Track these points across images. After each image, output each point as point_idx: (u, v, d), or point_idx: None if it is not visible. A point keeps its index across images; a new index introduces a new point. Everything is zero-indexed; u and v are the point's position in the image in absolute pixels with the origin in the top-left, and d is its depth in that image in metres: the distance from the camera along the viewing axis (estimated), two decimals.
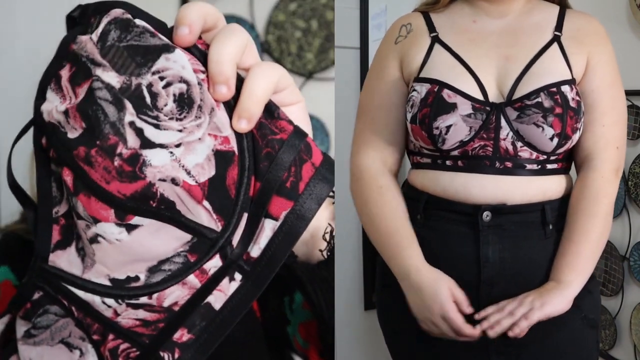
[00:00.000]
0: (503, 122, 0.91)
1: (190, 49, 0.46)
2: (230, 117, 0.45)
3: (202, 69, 0.45)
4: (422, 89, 0.94)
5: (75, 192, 0.45)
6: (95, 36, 0.44)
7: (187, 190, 0.44)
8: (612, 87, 0.97)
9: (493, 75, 0.94)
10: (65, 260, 0.47)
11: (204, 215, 0.45)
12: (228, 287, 0.47)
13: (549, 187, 0.94)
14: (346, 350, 1.70)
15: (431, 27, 1.01)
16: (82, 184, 0.44)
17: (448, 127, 0.91)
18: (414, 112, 0.95)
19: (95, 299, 0.46)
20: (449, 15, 1.02)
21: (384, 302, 1.09)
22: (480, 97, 0.92)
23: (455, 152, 0.93)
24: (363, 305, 1.76)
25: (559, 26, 0.98)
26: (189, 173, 0.44)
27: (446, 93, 0.92)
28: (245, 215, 0.46)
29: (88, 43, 0.44)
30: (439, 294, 0.89)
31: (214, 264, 0.46)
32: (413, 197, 1.00)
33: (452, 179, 0.94)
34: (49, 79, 0.46)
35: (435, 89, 0.93)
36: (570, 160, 0.99)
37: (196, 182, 0.44)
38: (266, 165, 0.46)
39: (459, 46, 0.97)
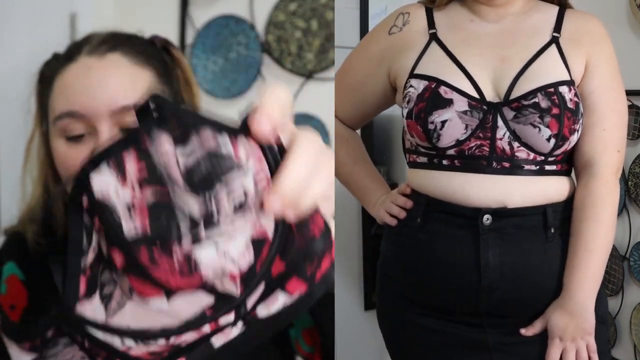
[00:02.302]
0: (500, 122, 0.91)
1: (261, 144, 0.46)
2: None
3: (266, 169, 0.46)
4: (420, 85, 0.94)
5: (123, 271, 0.47)
6: (180, 149, 0.45)
7: (231, 276, 0.47)
8: (612, 89, 0.95)
9: (488, 76, 0.93)
10: (90, 308, 0.49)
11: (233, 287, 0.48)
12: (230, 332, 0.51)
13: (550, 188, 0.93)
14: (346, 350, 1.70)
15: (431, 24, 1.01)
16: (136, 271, 0.46)
17: (443, 123, 0.91)
18: (410, 107, 0.95)
19: (115, 340, 0.48)
20: (448, 13, 1.02)
21: (383, 304, 1.09)
22: (476, 96, 0.92)
23: (452, 151, 0.93)
24: (363, 305, 1.76)
25: (557, 27, 0.96)
26: (233, 262, 0.46)
27: (443, 89, 0.92)
28: (263, 283, 0.50)
29: (169, 152, 0.44)
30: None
31: (227, 318, 0.50)
32: (414, 199, 1.00)
33: (449, 180, 0.93)
34: (109, 155, 0.46)
35: (433, 86, 0.93)
36: (570, 162, 0.98)
37: (239, 269, 0.47)
38: (294, 251, 0.49)
39: (454, 45, 0.97)
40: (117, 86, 0.80)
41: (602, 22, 1.00)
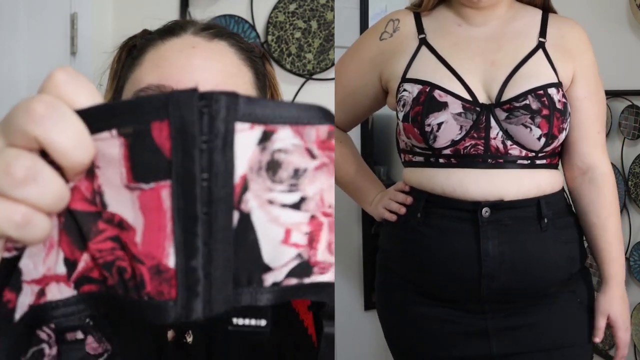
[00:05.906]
0: (493, 123, 0.95)
1: None
2: None
3: None
4: (414, 89, 0.98)
5: None
6: None
7: None
8: (598, 93, 1.03)
9: (479, 79, 0.98)
10: None
11: None
12: None
13: (542, 181, 0.98)
14: (346, 350, 1.70)
15: (420, 29, 1.04)
16: None
17: (439, 125, 0.95)
18: (406, 111, 0.99)
19: None
20: (436, 18, 1.06)
21: (385, 296, 1.12)
22: (469, 98, 0.96)
23: (447, 151, 0.97)
24: (363, 305, 1.76)
25: (542, 32, 1.01)
26: None
27: (437, 93, 0.96)
28: None
29: None
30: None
31: None
32: (413, 196, 1.04)
33: (448, 177, 0.97)
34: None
35: (427, 89, 0.97)
36: (556, 156, 1.03)
37: None
38: None
39: (444, 50, 1.01)
40: (221, 72, 0.72)
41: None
